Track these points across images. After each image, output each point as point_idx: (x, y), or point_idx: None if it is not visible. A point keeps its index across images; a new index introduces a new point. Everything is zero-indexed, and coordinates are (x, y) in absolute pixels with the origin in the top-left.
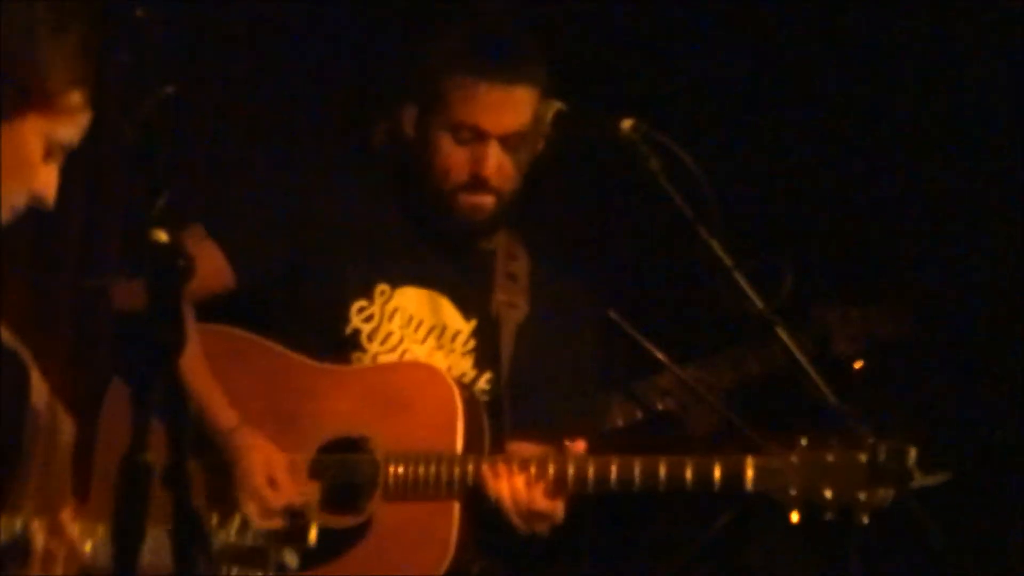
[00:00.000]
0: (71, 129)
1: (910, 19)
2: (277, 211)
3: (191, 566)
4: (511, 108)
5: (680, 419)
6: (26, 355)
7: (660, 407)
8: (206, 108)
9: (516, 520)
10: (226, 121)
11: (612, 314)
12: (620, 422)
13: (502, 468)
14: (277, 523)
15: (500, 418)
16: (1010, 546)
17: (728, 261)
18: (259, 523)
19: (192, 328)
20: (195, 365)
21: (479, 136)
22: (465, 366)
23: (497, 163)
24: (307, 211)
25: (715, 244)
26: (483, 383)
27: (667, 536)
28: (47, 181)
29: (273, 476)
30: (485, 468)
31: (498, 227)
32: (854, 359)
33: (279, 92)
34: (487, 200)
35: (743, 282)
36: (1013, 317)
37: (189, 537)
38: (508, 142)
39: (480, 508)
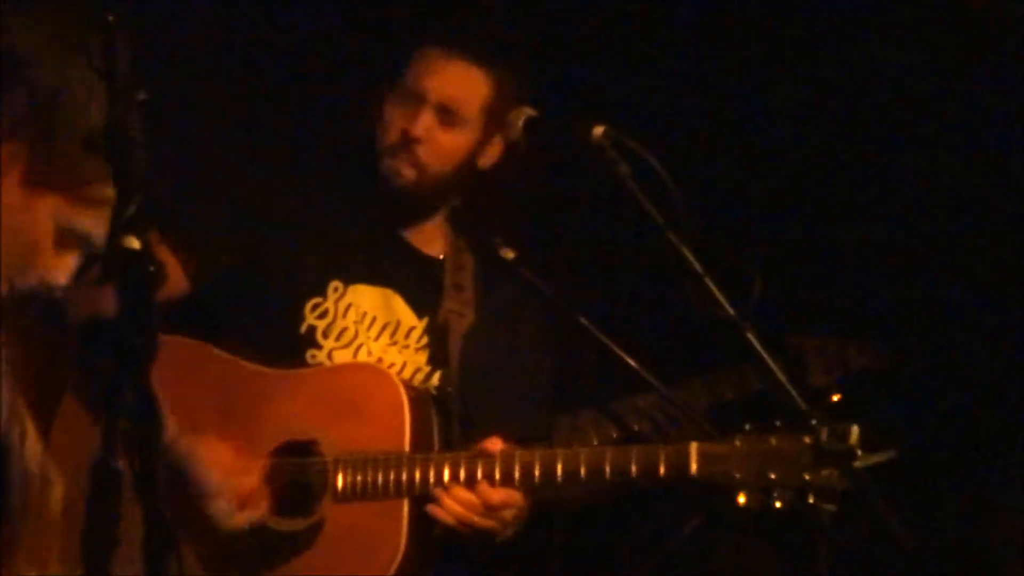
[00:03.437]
0: (93, 223)
1: (898, 35)
2: (230, 214)
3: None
4: (455, 79)
5: (656, 441)
6: (24, 413)
7: (636, 428)
8: (157, 111)
9: (485, 524)
10: (177, 124)
11: (583, 322)
12: (595, 441)
13: (442, 495)
14: (255, 513)
15: (451, 416)
16: (978, 548)
17: (699, 267)
18: (237, 519)
19: None
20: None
21: (417, 98)
22: (420, 361)
23: (427, 127)
24: (260, 213)
25: (686, 251)
26: (436, 379)
27: (635, 542)
28: (60, 269)
29: (229, 466)
30: (432, 508)
31: (419, 210)
32: (829, 391)
33: (231, 94)
34: (408, 170)
35: (714, 288)
36: (992, 346)
37: (160, 544)
38: (445, 114)
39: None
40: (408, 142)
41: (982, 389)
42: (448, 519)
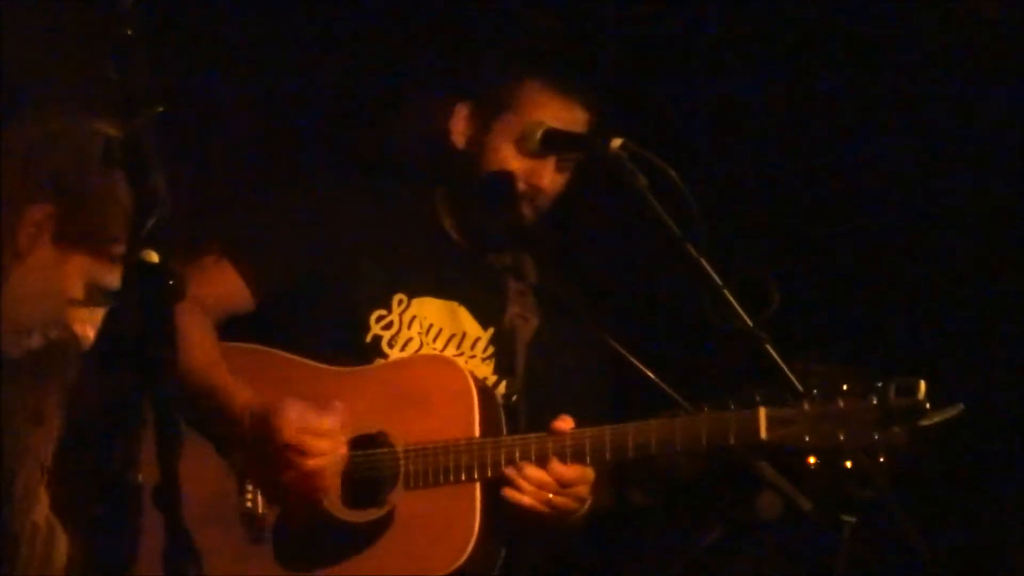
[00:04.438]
0: (118, 279)
1: (913, 50)
2: (290, 228)
3: None
4: (576, 130)
5: (673, 464)
6: (33, 466)
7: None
8: (213, 123)
9: (560, 503)
10: (236, 137)
11: (609, 340)
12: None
13: (515, 476)
14: (341, 447)
15: (517, 423)
16: (995, 563)
17: (717, 279)
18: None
19: (213, 339)
20: (212, 362)
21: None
22: (486, 371)
23: (552, 180)
24: (320, 226)
25: (703, 262)
26: (502, 389)
27: (654, 553)
28: (91, 324)
29: (307, 411)
30: (507, 491)
31: (520, 243)
32: None
33: (289, 105)
34: (528, 213)
35: (732, 300)
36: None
37: (181, 555)
38: (562, 164)
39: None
40: (535, 193)
41: (990, 408)
42: (523, 500)
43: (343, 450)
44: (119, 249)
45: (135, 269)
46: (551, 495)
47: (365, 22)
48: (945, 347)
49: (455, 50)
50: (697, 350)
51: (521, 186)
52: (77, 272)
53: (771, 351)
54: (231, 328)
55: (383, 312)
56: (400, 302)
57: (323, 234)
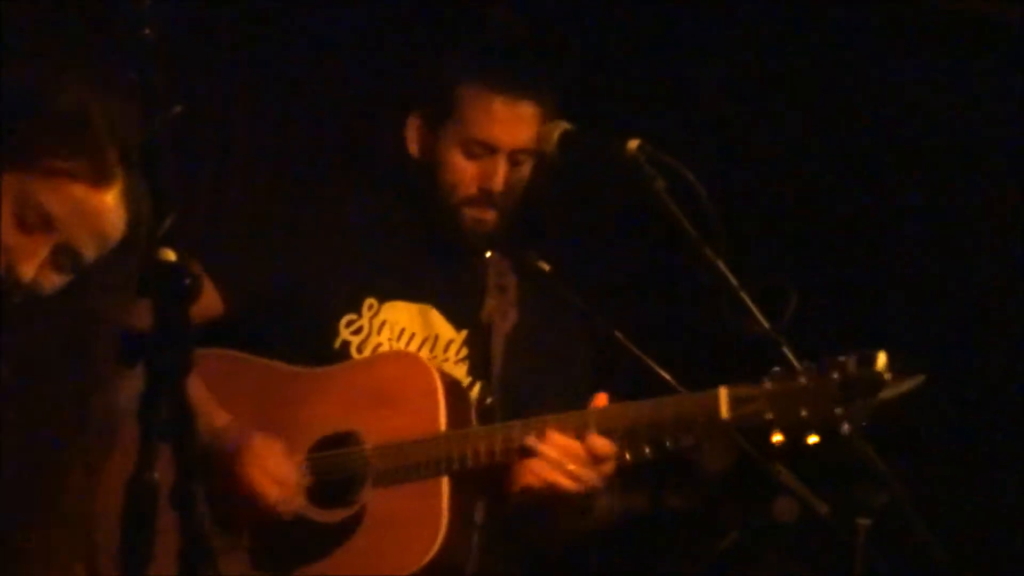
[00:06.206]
0: (52, 197)
1: (924, 54)
2: (263, 235)
3: None
4: (522, 124)
5: (692, 457)
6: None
7: (669, 445)
8: (190, 129)
9: (589, 476)
10: (210, 142)
11: (618, 335)
12: (628, 457)
13: (541, 447)
14: (301, 501)
15: (492, 422)
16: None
17: (734, 281)
18: (294, 503)
19: None
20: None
21: (490, 151)
22: (460, 374)
23: (505, 178)
24: (293, 233)
25: (721, 264)
26: (476, 391)
27: (671, 558)
28: (25, 253)
29: (281, 456)
30: (531, 440)
31: (495, 242)
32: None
33: (262, 112)
34: (491, 215)
35: (749, 302)
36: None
37: (197, 556)
38: (516, 158)
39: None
40: (490, 196)
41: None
42: (545, 475)
43: (299, 501)
44: (53, 163)
45: (152, 268)
46: (577, 467)
47: (334, 33)
48: (956, 344)
49: (411, 59)
50: (713, 352)
51: (474, 191)
52: (5, 190)
53: (788, 354)
54: (203, 334)
55: (353, 316)
56: (370, 307)
57: (295, 241)
